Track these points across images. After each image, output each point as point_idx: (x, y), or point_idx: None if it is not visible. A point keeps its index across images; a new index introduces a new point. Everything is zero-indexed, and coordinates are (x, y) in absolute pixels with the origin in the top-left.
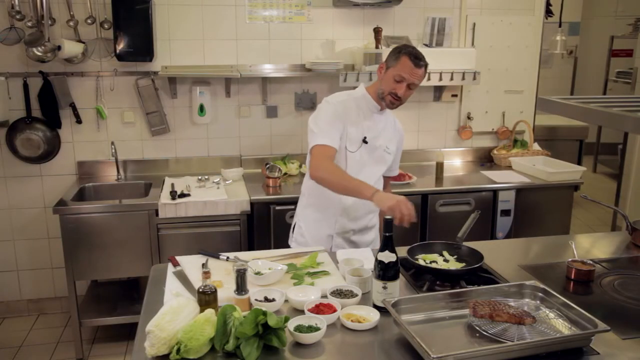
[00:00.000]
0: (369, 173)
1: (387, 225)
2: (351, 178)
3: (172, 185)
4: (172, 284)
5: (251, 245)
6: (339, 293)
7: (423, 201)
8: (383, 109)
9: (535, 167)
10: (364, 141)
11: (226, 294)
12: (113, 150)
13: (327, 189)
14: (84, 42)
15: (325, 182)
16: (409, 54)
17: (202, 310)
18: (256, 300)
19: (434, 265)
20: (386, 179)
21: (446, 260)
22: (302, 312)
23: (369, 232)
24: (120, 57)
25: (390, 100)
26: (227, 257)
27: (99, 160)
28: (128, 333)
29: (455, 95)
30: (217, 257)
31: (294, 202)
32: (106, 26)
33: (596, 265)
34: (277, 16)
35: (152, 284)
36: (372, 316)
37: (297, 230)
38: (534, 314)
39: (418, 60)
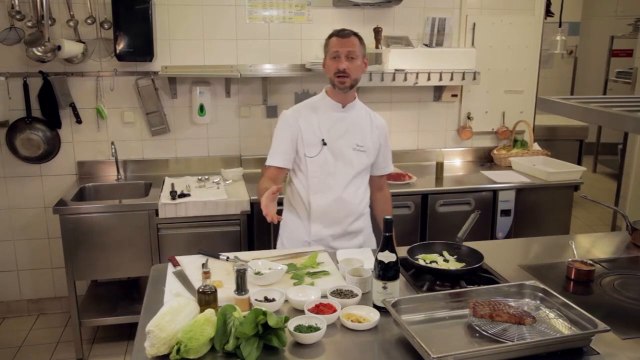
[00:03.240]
0: (339, 175)
1: (387, 225)
2: (269, 183)
3: (172, 185)
4: (172, 284)
5: (251, 245)
6: (339, 293)
7: (423, 201)
8: (345, 105)
9: (535, 167)
10: (323, 143)
11: (226, 294)
12: (113, 150)
13: None
14: (84, 42)
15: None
16: (332, 34)
17: (202, 310)
18: (256, 300)
19: (434, 265)
20: (379, 177)
21: (446, 260)
22: (302, 312)
23: (354, 237)
24: (120, 57)
25: (338, 79)
26: (227, 257)
27: (99, 160)
28: (128, 333)
29: (455, 95)
30: (217, 257)
31: None
32: (106, 26)
33: (596, 265)
34: (277, 16)
35: (152, 284)
36: (372, 316)
37: (279, 239)
38: (534, 314)
39: (342, 31)
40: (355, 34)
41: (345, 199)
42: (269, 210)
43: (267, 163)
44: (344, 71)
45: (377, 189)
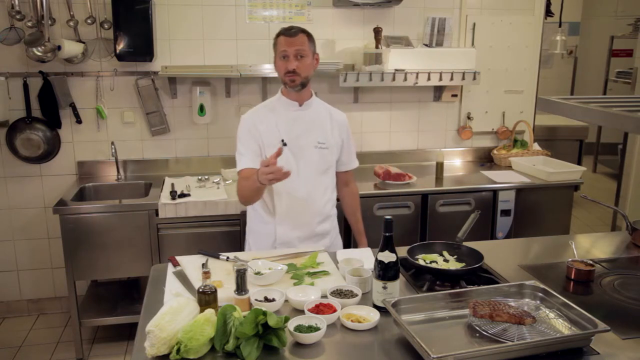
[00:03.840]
0: (303, 175)
1: (387, 225)
2: (248, 177)
3: (172, 185)
4: (172, 284)
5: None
6: (339, 293)
7: (423, 201)
8: (302, 103)
9: (535, 167)
10: (283, 143)
11: (226, 294)
12: (113, 150)
13: (255, 201)
14: (84, 42)
15: (244, 199)
16: (279, 33)
17: (202, 310)
18: (256, 300)
19: (434, 265)
20: (344, 173)
21: (446, 260)
22: (302, 312)
23: (321, 239)
24: (120, 57)
25: (289, 78)
26: (227, 257)
27: (99, 160)
28: (128, 333)
29: (455, 95)
30: (217, 257)
31: None
32: (106, 26)
33: (596, 265)
34: (277, 16)
35: (152, 284)
36: (372, 316)
37: (246, 244)
38: (534, 314)
39: (289, 30)
40: (303, 31)
41: (310, 199)
42: (272, 169)
43: (242, 166)
44: (293, 71)
45: (344, 185)
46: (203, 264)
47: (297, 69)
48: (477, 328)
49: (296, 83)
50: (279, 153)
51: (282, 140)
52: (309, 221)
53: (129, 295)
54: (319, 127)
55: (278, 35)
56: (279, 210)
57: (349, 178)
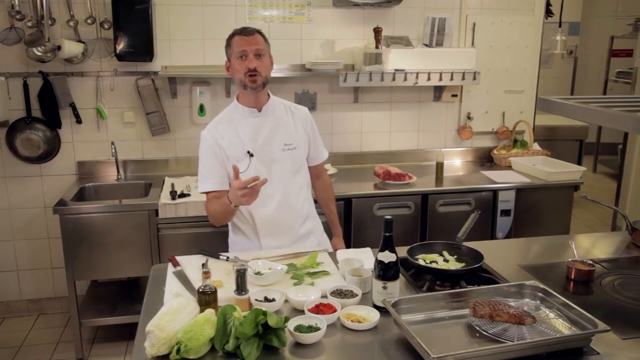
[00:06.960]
0: (276, 181)
1: (387, 225)
2: (218, 201)
3: (172, 185)
4: (172, 284)
5: None
6: (339, 293)
7: (423, 201)
8: (260, 108)
9: (535, 167)
10: (250, 154)
11: (226, 294)
12: (113, 150)
13: (227, 222)
14: (84, 42)
15: (216, 221)
16: (233, 33)
17: (202, 310)
18: (256, 300)
19: (434, 265)
20: (317, 167)
21: (446, 260)
22: (302, 312)
23: (306, 240)
24: (120, 57)
25: (250, 79)
26: (227, 257)
27: (99, 160)
28: (128, 333)
29: (455, 95)
30: (217, 257)
31: None
32: (106, 26)
33: (596, 265)
34: (277, 16)
35: (152, 284)
36: (372, 316)
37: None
38: (534, 314)
39: (244, 29)
40: (259, 31)
41: (287, 203)
42: (245, 193)
43: (206, 189)
44: (254, 70)
45: (315, 177)
46: (203, 264)
47: (258, 67)
48: (477, 328)
49: (258, 83)
50: (236, 171)
51: (248, 152)
52: (291, 225)
53: (129, 295)
54: (282, 129)
55: (232, 36)
56: (259, 222)
57: (321, 170)
